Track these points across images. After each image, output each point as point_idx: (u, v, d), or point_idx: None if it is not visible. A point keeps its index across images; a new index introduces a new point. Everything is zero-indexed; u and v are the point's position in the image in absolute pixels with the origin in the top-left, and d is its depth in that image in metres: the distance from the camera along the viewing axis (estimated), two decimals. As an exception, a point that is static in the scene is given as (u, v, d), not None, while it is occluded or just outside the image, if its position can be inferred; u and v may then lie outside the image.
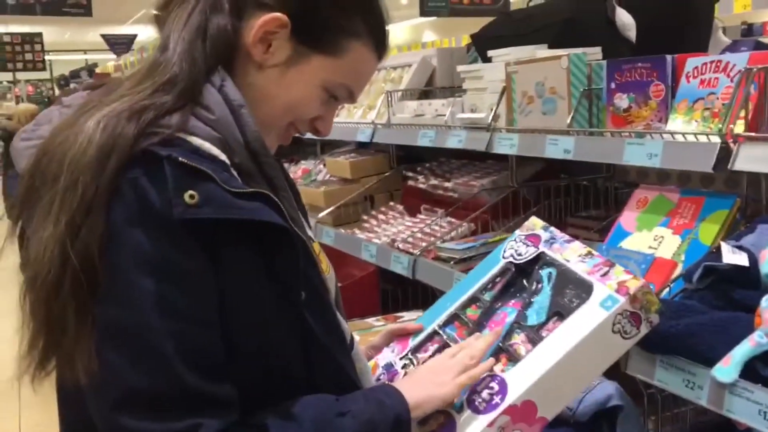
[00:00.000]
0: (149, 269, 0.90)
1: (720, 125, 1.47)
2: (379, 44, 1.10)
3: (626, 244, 1.71)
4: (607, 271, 1.10)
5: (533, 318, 1.13)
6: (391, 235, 2.55)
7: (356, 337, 1.17)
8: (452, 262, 2.13)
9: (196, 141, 0.96)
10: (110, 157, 0.90)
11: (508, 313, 1.17)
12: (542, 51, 2.17)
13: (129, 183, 0.90)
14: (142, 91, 0.97)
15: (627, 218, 1.77)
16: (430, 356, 1.21)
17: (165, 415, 0.89)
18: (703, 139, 1.51)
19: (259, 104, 1.04)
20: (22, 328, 0.95)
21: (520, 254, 1.24)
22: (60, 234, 0.89)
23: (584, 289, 1.10)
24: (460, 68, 2.43)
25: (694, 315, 1.28)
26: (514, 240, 1.28)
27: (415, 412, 1.04)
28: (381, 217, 2.83)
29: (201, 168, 0.92)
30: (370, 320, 2.13)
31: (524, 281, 1.21)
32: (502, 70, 2.14)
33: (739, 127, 1.45)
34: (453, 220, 2.48)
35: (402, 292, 2.70)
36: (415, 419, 1.04)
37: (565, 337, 1.06)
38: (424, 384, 1.08)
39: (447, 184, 2.65)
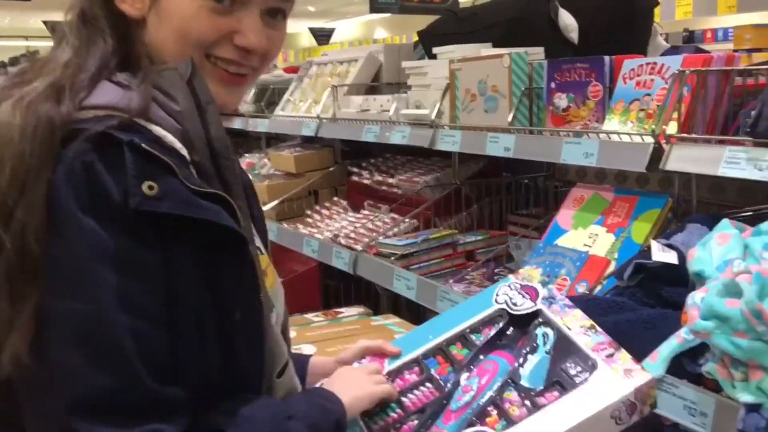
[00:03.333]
0: (108, 260, 0.84)
1: (653, 126, 1.50)
2: None
3: (562, 241, 1.73)
4: (613, 354, 1.08)
5: (530, 380, 1.10)
6: (334, 231, 2.54)
7: (290, 364, 1.11)
8: (393, 258, 2.13)
9: (158, 131, 0.90)
10: (36, 134, 0.85)
11: (499, 364, 1.14)
12: (486, 49, 2.19)
13: (82, 166, 0.84)
14: (58, 68, 0.93)
15: (563, 216, 1.79)
16: (412, 390, 1.17)
17: (123, 420, 0.83)
18: (637, 139, 1.54)
19: (163, 52, 0.98)
20: None
21: (515, 304, 1.20)
22: None
23: (588, 366, 1.08)
24: (405, 64, 2.43)
25: (623, 312, 1.30)
26: (508, 286, 1.24)
27: (350, 414, 1.04)
28: (325, 212, 2.81)
29: (164, 159, 0.86)
30: (309, 316, 2.11)
31: (516, 333, 1.18)
32: (446, 67, 2.14)
33: (672, 128, 1.48)
34: (396, 216, 2.48)
35: (345, 288, 2.69)
36: (348, 421, 1.04)
37: (567, 413, 1.04)
38: (352, 386, 1.08)
39: (391, 180, 2.65)
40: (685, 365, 1.22)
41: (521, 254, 2.09)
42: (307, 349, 1.73)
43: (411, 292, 2.00)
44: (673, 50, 2.47)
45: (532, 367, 1.11)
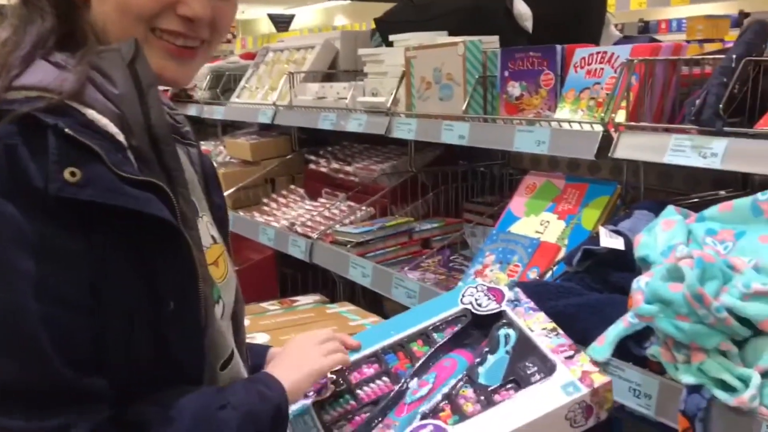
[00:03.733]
0: (26, 247, 0.82)
1: (603, 115, 1.52)
2: None
3: (515, 228, 1.75)
4: (573, 355, 1.09)
5: (486, 378, 1.11)
6: (291, 219, 2.52)
7: (236, 356, 1.09)
8: (349, 246, 2.13)
9: (92, 114, 0.88)
10: None
11: (458, 362, 1.15)
12: (442, 38, 2.19)
13: (5, 149, 0.82)
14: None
15: (516, 204, 1.81)
16: (368, 383, 1.18)
17: (36, 411, 0.82)
18: (587, 127, 1.56)
19: (107, 30, 0.96)
20: None
21: (480, 305, 1.22)
22: None
23: (546, 367, 1.09)
24: (361, 52, 2.42)
25: (571, 296, 1.32)
26: (475, 287, 1.26)
27: (294, 396, 1.03)
28: (281, 200, 2.80)
29: (89, 144, 0.84)
30: (264, 304, 2.10)
31: (480, 334, 1.19)
32: (402, 55, 2.14)
33: (621, 117, 1.51)
34: (353, 204, 2.48)
35: (302, 277, 2.68)
36: (294, 402, 1.03)
37: (520, 410, 1.04)
38: (298, 364, 1.07)
39: (348, 168, 2.64)
40: (630, 348, 1.24)
41: (476, 241, 2.11)
42: (260, 337, 1.72)
43: (366, 279, 2.00)
44: (626, 40, 2.51)
45: (490, 365, 1.13)
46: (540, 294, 1.34)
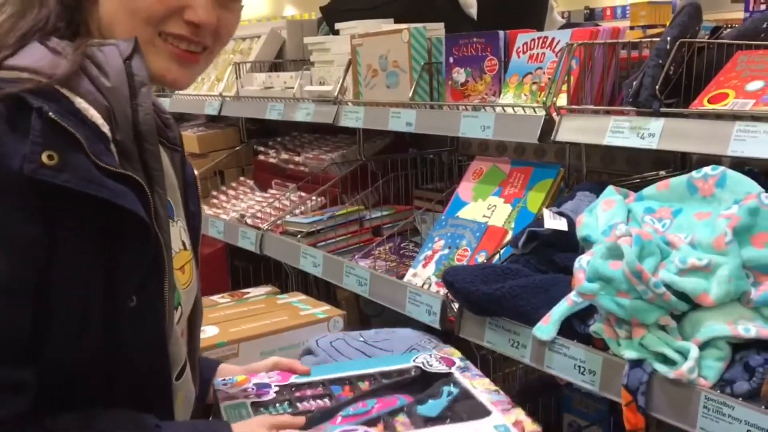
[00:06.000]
0: None
1: (545, 99, 1.54)
2: None
3: (463, 213, 1.77)
4: (510, 409, 1.15)
5: (424, 411, 1.16)
6: (241, 211, 2.50)
7: (188, 367, 1.09)
8: (299, 236, 2.12)
9: (80, 102, 0.87)
10: None
11: (399, 400, 1.20)
12: (387, 25, 2.19)
13: None
14: None
15: (464, 189, 1.83)
16: (308, 400, 1.20)
17: None
18: (529, 111, 1.58)
19: (113, 29, 0.96)
20: None
21: (431, 365, 1.31)
22: None
23: (482, 412, 1.14)
24: (307, 40, 2.41)
25: (517, 278, 1.34)
26: (429, 354, 1.35)
27: None
28: (231, 192, 2.77)
29: (71, 131, 0.84)
30: (215, 297, 2.08)
31: (425, 386, 1.24)
32: (348, 43, 2.13)
33: (562, 100, 1.53)
34: (303, 194, 2.47)
35: (254, 269, 2.66)
36: None
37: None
38: (252, 426, 1.06)
39: (297, 159, 2.63)
40: (575, 326, 1.27)
41: (426, 228, 2.12)
42: (210, 330, 1.71)
43: (317, 269, 2.00)
44: (570, 26, 2.55)
45: (429, 405, 1.18)
46: (487, 276, 1.36)
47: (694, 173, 1.26)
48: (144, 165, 0.94)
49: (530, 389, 1.72)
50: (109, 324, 0.89)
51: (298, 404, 1.18)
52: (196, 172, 1.24)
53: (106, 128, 0.89)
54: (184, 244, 1.07)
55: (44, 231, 0.84)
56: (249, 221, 2.37)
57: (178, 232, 1.06)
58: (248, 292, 2.15)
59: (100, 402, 0.92)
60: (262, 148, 2.85)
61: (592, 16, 8.24)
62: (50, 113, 0.83)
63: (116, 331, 0.90)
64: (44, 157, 0.81)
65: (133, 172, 0.90)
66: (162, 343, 0.97)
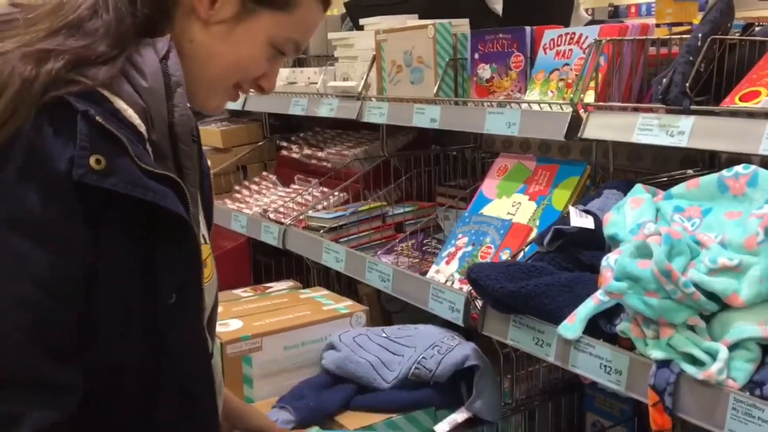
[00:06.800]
0: (26, 228, 0.82)
1: (572, 95, 1.53)
2: None
3: (487, 210, 1.76)
4: None
5: None
6: (263, 206, 2.51)
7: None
8: (322, 231, 2.13)
9: (119, 104, 0.88)
10: (32, 89, 0.82)
11: None
12: (412, 21, 2.18)
13: (32, 128, 0.82)
14: (39, 31, 0.88)
15: (488, 186, 1.82)
16: None
17: None
18: (556, 108, 1.57)
19: (204, 63, 0.98)
20: None
21: None
22: None
23: None
24: (331, 36, 2.41)
25: (543, 276, 1.33)
26: None
27: None
28: (254, 187, 2.77)
29: (117, 135, 0.84)
30: (238, 291, 2.09)
31: None
32: (372, 38, 2.13)
33: (590, 97, 1.52)
34: (325, 189, 2.47)
35: (276, 264, 2.67)
36: None
37: None
38: None
39: (320, 154, 2.63)
40: (601, 326, 1.26)
41: (449, 225, 2.11)
42: (234, 323, 1.71)
43: (340, 264, 2.00)
44: (595, 23, 2.52)
45: None
46: (512, 274, 1.35)
47: (724, 172, 1.24)
48: (177, 164, 0.95)
49: (554, 386, 1.71)
50: (151, 322, 0.91)
51: None
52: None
53: (142, 128, 0.90)
54: (204, 237, 1.08)
55: (90, 231, 0.85)
56: (272, 216, 2.38)
57: (199, 227, 1.07)
58: (271, 287, 2.15)
59: (147, 406, 0.93)
60: (284, 144, 2.85)
61: (616, 13, 8.15)
62: (96, 117, 0.84)
63: (158, 328, 0.91)
64: (92, 162, 0.83)
65: (169, 172, 0.91)
66: (202, 338, 0.99)
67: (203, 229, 1.08)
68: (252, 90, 1.07)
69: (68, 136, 0.83)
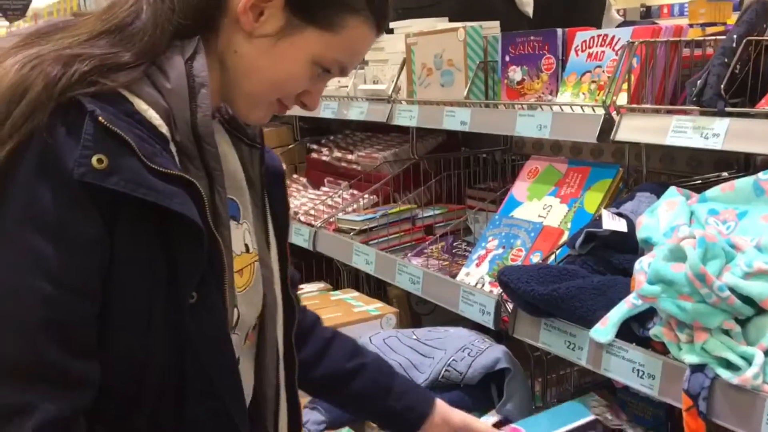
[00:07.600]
0: (44, 227, 0.84)
1: (604, 97, 1.52)
2: (380, 20, 1.01)
3: (518, 213, 1.75)
4: None
5: None
6: (294, 208, 2.53)
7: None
8: (352, 234, 2.14)
9: (139, 104, 0.89)
10: (23, 98, 0.84)
11: None
12: (442, 24, 2.19)
13: (47, 128, 0.84)
14: (80, 35, 0.91)
15: (519, 188, 1.81)
16: None
17: (7, 386, 0.83)
18: (588, 110, 1.56)
19: (245, 76, 0.98)
20: None
21: None
22: None
23: None
24: (362, 39, 2.42)
25: (575, 279, 1.33)
26: None
27: None
28: (284, 189, 2.79)
29: (120, 134, 0.85)
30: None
31: None
32: (403, 41, 2.14)
33: (622, 99, 1.51)
34: (355, 192, 2.48)
35: (306, 265, 2.69)
36: None
37: None
38: None
39: (350, 157, 2.65)
40: (634, 329, 1.25)
41: (479, 227, 2.11)
42: (266, 324, 1.73)
43: (370, 266, 2.01)
44: (627, 25, 2.50)
45: None
46: (543, 277, 1.35)
47: (760, 175, 1.23)
48: (204, 165, 0.95)
49: (587, 387, 1.70)
50: (172, 320, 0.91)
51: None
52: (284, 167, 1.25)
53: (164, 129, 0.90)
54: (247, 246, 1.07)
55: (104, 230, 0.86)
56: (302, 218, 2.40)
57: (241, 235, 1.06)
58: (301, 288, 2.17)
59: (174, 405, 0.94)
60: (315, 146, 2.87)
61: (648, 13, 8.07)
62: (101, 117, 0.85)
63: (179, 327, 0.91)
64: (94, 161, 0.84)
65: (194, 172, 0.91)
66: (226, 341, 0.98)
67: (247, 238, 1.06)
68: (295, 106, 1.05)
69: (77, 136, 0.84)
